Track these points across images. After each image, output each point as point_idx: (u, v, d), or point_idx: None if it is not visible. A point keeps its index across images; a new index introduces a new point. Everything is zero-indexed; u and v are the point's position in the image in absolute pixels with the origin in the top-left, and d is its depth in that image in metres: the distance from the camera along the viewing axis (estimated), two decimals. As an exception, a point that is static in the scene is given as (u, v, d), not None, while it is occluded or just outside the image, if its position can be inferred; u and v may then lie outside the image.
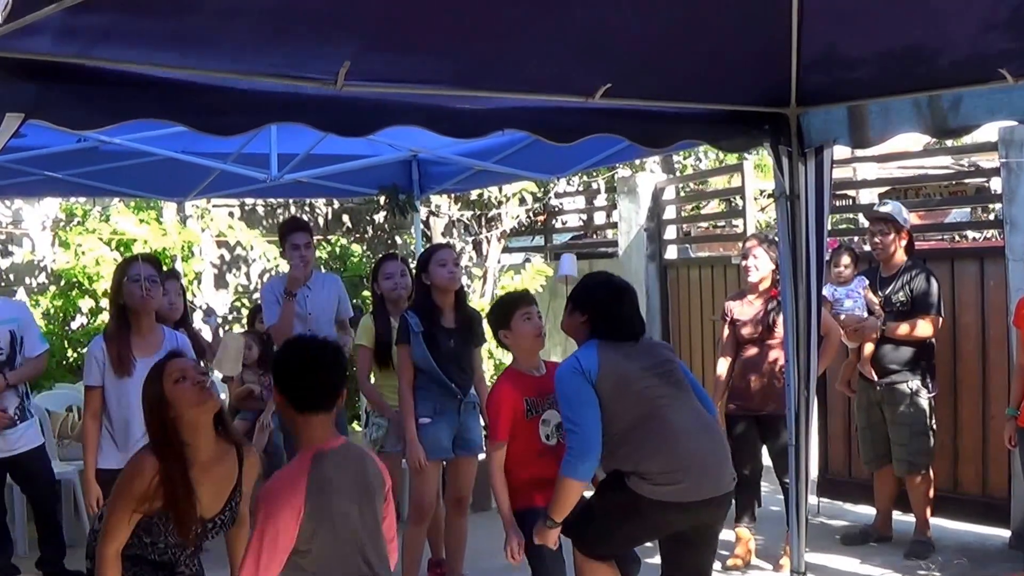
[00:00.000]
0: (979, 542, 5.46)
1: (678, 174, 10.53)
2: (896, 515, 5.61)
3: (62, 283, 7.85)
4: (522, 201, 9.35)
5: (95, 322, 7.56)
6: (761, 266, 5.23)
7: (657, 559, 3.74)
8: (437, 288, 4.68)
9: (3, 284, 8.20)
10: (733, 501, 4.97)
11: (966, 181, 11.09)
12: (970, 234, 9.01)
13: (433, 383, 4.61)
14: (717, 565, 4.55)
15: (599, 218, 11.56)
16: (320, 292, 5.40)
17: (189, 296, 7.45)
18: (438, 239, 9.14)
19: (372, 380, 4.96)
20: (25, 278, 8.35)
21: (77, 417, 6.31)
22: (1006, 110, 3.62)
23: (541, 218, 10.43)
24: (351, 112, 3.43)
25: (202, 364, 4.19)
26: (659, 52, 3.52)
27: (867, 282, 5.40)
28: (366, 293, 7.61)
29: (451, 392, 4.65)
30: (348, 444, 2.94)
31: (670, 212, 8.25)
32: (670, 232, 8.20)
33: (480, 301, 8.06)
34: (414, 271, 4.97)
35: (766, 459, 5.36)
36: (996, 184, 6.48)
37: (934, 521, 5.40)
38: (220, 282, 9.23)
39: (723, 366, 5.40)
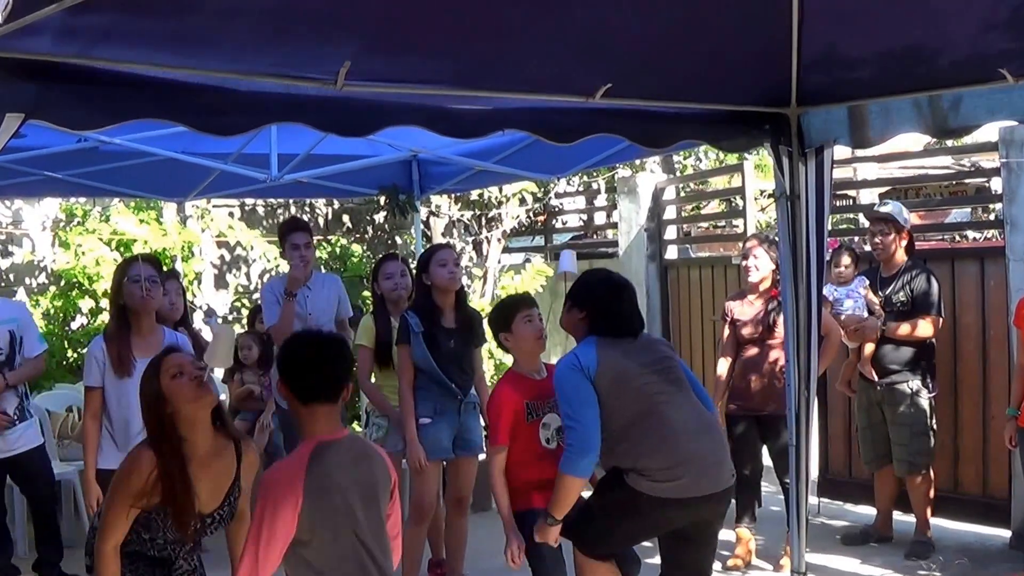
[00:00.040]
0: (979, 542, 5.45)
1: (678, 174, 10.53)
2: (896, 515, 5.61)
3: (62, 283, 7.85)
4: (522, 201, 9.35)
5: (95, 322, 7.56)
6: (761, 266, 5.23)
7: (657, 559, 3.74)
8: (437, 288, 4.68)
9: (3, 284, 8.20)
10: (733, 501, 5.00)
11: (966, 181, 11.07)
12: (970, 234, 9.01)
13: (433, 383, 4.61)
14: (717, 565, 4.55)
15: (599, 218, 11.55)
16: (320, 292, 5.40)
17: (189, 296, 7.46)
18: (438, 239, 9.14)
19: (372, 380, 4.96)
20: (25, 278, 8.35)
21: (77, 417, 6.31)
22: (1006, 110, 3.62)
23: (541, 218, 10.43)
24: (351, 112, 3.43)
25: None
26: (659, 52, 3.52)
27: (867, 282, 5.40)
28: (366, 293, 7.61)
29: (451, 392, 4.65)
30: (353, 437, 2.93)
31: (670, 212, 8.24)
32: (670, 232, 8.20)
33: (480, 301, 8.05)
34: (414, 271, 4.97)
35: (766, 459, 5.36)
36: (996, 184, 6.48)
37: (934, 521, 5.40)
38: (220, 282, 9.23)
39: (723, 366, 5.40)
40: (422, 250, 5.75)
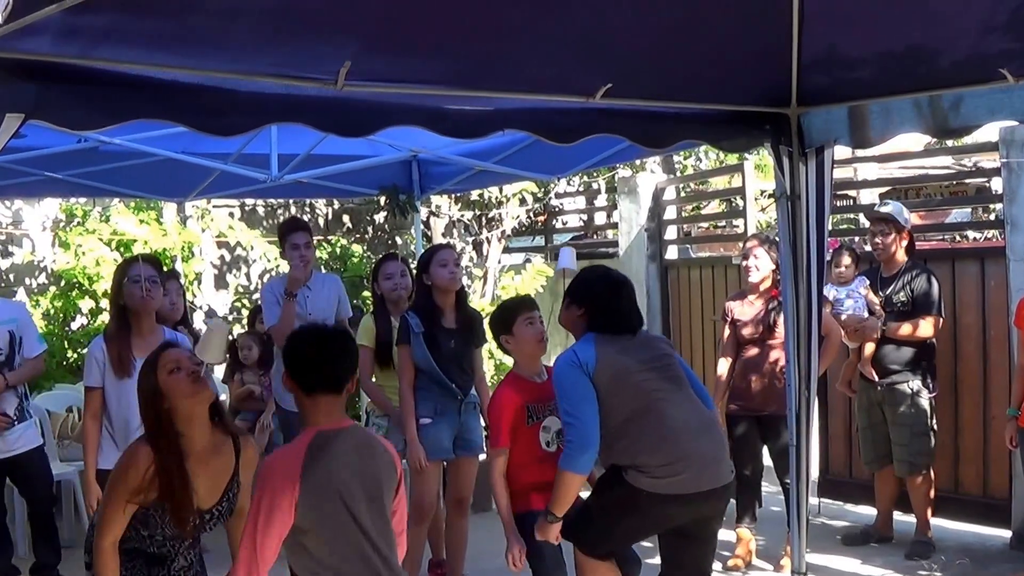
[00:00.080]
0: (980, 543, 5.45)
1: (679, 174, 10.52)
2: (897, 515, 5.61)
3: (62, 284, 7.85)
4: (522, 201, 9.35)
5: (95, 323, 7.56)
6: (762, 266, 5.22)
7: (657, 559, 3.74)
8: (438, 288, 4.68)
9: (3, 285, 8.21)
10: (734, 501, 5.00)
11: (967, 181, 11.06)
12: (971, 234, 9.00)
13: (434, 383, 4.61)
14: (718, 566, 4.55)
15: (600, 218, 11.55)
16: (320, 292, 5.40)
17: (189, 297, 7.46)
18: (438, 239, 9.14)
19: (373, 380, 4.96)
20: (25, 279, 8.35)
21: (77, 418, 6.31)
22: (1007, 110, 3.62)
23: (541, 218, 10.43)
24: (351, 112, 3.43)
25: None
26: (659, 52, 3.52)
27: (868, 282, 5.40)
28: (366, 293, 7.61)
29: (452, 393, 4.65)
30: (356, 427, 2.93)
31: (671, 212, 8.24)
32: (671, 232, 8.19)
33: (480, 301, 8.05)
34: (415, 271, 4.97)
35: (767, 459, 5.36)
36: (997, 184, 6.48)
37: (935, 522, 5.40)
38: (220, 283, 9.23)
39: (724, 366, 5.40)
40: (422, 250, 5.75)
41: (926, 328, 5.24)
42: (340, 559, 2.70)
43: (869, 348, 5.33)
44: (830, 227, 4.45)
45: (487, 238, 9.38)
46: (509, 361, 4.74)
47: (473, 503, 5.00)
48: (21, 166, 5.58)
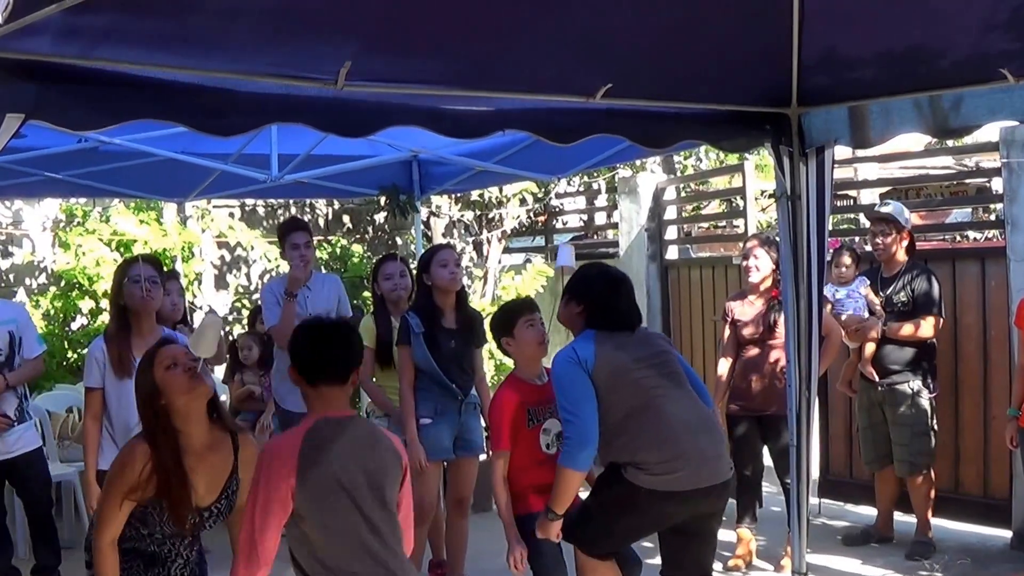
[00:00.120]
0: (980, 543, 5.45)
1: (679, 174, 10.52)
2: (897, 516, 5.61)
3: (62, 284, 7.85)
4: (523, 202, 9.34)
5: (95, 323, 7.56)
6: (762, 266, 5.22)
7: (658, 560, 3.74)
8: (438, 289, 4.68)
9: (3, 285, 8.21)
10: (734, 502, 5.00)
11: (967, 181, 11.06)
12: (971, 234, 9.00)
13: (434, 384, 4.61)
14: (718, 566, 4.55)
15: (600, 218, 11.55)
16: (320, 292, 5.40)
17: (189, 297, 7.45)
18: (439, 240, 9.14)
19: (374, 380, 4.96)
20: (25, 279, 8.35)
21: (77, 418, 6.31)
22: (1007, 110, 3.62)
23: (542, 218, 10.42)
24: (351, 112, 3.43)
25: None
26: (660, 52, 3.52)
27: (868, 282, 5.40)
28: (366, 294, 7.60)
29: (452, 393, 4.64)
30: (357, 417, 2.93)
31: (671, 212, 8.24)
32: (671, 232, 8.19)
33: (481, 301, 8.05)
34: (415, 272, 4.97)
35: (767, 460, 5.36)
36: (997, 184, 6.47)
37: (935, 522, 5.39)
38: (220, 283, 9.23)
39: (724, 366, 5.40)
40: (423, 250, 5.74)
41: (926, 328, 5.24)
42: (342, 549, 2.70)
43: (870, 348, 5.33)
44: (830, 227, 4.45)
45: (487, 238, 9.38)
46: (509, 361, 4.74)
47: (473, 503, 5.00)
48: (21, 166, 5.58)
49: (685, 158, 11.27)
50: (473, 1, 3.03)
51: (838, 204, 9.18)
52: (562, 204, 10.91)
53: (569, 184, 10.31)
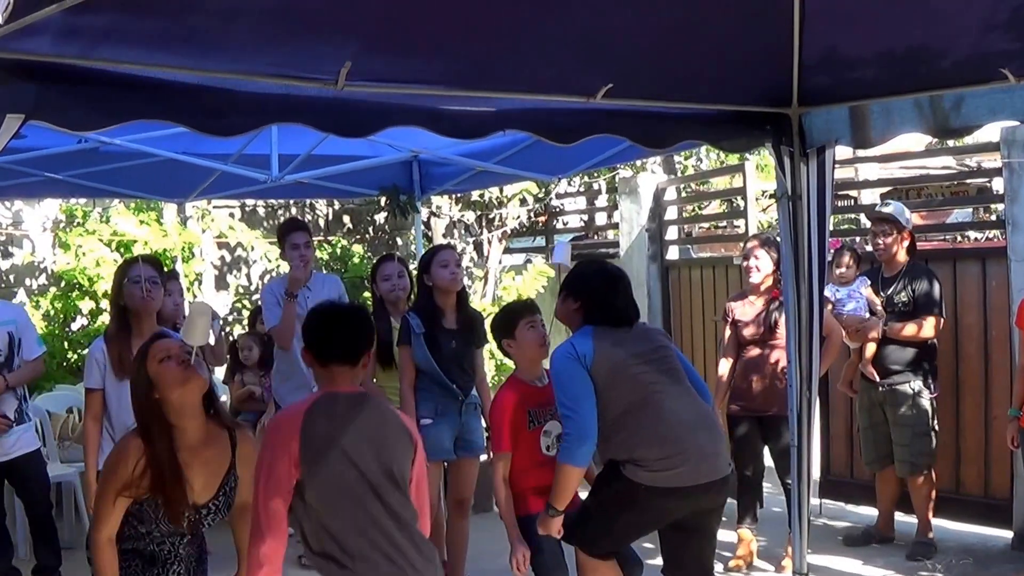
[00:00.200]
0: (981, 543, 5.45)
1: (679, 174, 10.51)
2: (898, 516, 5.60)
3: (62, 284, 7.85)
4: (523, 202, 9.34)
5: (95, 324, 7.55)
6: (763, 267, 5.22)
7: (658, 560, 3.74)
8: (439, 289, 4.68)
9: (3, 286, 8.21)
10: (735, 502, 5.00)
11: (968, 181, 11.05)
12: (972, 234, 9.00)
13: (435, 384, 4.61)
14: (719, 566, 4.54)
15: (600, 219, 11.53)
16: (320, 293, 5.38)
17: (189, 297, 7.44)
18: (439, 240, 9.14)
19: (374, 381, 4.95)
20: (25, 279, 8.35)
21: (77, 419, 6.31)
22: (1008, 110, 3.62)
23: (542, 219, 10.41)
24: (352, 113, 3.43)
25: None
26: (660, 52, 3.52)
27: (869, 282, 5.39)
28: (367, 294, 7.59)
29: (452, 393, 4.64)
30: (365, 394, 2.95)
31: (671, 213, 8.23)
32: (671, 233, 8.19)
33: (481, 302, 8.05)
34: (416, 272, 4.96)
35: (768, 460, 5.35)
36: (998, 184, 6.47)
37: (936, 522, 5.39)
38: (221, 283, 9.23)
39: (725, 367, 5.40)
40: (423, 251, 5.74)
41: (927, 328, 5.24)
42: (347, 522, 2.71)
43: (870, 348, 5.32)
44: (831, 227, 4.45)
45: (488, 239, 9.37)
46: (510, 362, 4.73)
47: (474, 504, 5.00)
48: (21, 167, 5.57)
49: (686, 158, 11.27)
50: (473, 1, 3.03)
51: (839, 204, 9.17)
52: (562, 204, 10.90)
53: (569, 184, 10.30)
